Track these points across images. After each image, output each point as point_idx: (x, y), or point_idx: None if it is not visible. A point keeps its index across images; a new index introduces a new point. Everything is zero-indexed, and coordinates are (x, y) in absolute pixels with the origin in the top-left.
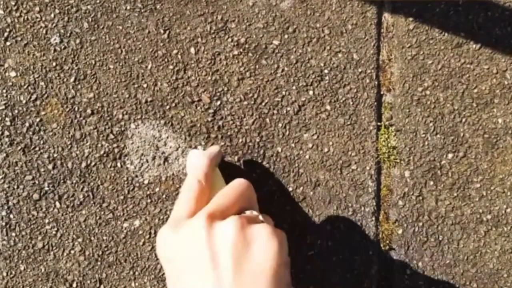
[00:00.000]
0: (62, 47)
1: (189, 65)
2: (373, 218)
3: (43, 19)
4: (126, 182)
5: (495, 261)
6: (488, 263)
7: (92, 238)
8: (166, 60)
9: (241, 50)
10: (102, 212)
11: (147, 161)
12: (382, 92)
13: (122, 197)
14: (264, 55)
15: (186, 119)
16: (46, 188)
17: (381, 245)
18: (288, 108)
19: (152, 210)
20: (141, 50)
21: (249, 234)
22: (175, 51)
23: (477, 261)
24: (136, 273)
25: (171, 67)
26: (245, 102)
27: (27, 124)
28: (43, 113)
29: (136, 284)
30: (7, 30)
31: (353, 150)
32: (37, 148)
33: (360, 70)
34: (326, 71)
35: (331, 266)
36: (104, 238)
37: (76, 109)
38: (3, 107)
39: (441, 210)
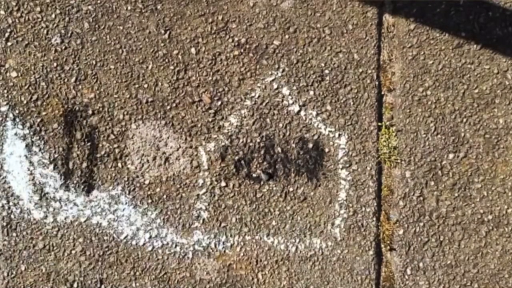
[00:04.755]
0: (63, 47)
1: (190, 65)
2: (374, 219)
3: (44, 19)
4: (127, 183)
5: (496, 261)
6: (489, 264)
7: (93, 238)
8: (166, 60)
9: (241, 50)
10: (104, 213)
11: (148, 161)
12: (383, 92)
13: (123, 198)
14: (265, 55)
15: (187, 119)
16: (47, 189)
17: (382, 245)
18: (289, 109)
19: (153, 210)
20: (141, 51)
21: None
22: (175, 52)
23: (478, 261)
24: (137, 273)
25: (171, 67)
26: (246, 102)
27: (28, 125)
28: (44, 113)
29: (137, 284)
30: (8, 30)
31: (354, 150)
32: (38, 149)
33: (361, 70)
34: (326, 71)
35: (331, 266)
36: (105, 238)
37: (77, 109)
38: (5, 107)
39: (442, 211)
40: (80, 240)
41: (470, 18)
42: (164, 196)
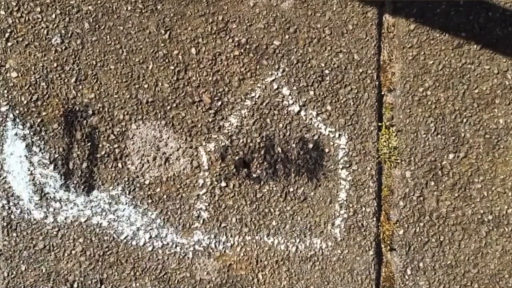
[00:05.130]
0: (63, 47)
1: (190, 66)
2: (374, 219)
3: (44, 19)
4: (127, 183)
5: (496, 262)
6: (490, 264)
7: (93, 239)
8: (167, 60)
9: (242, 50)
10: (104, 213)
11: (148, 161)
12: (383, 93)
13: (123, 198)
14: (265, 55)
15: (187, 119)
16: (47, 189)
17: (382, 246)
18: (289, 109)
19: (153, 211)
20: (142, 51)
21: None
22: (176, 52)
23: (478, 261)
24: (137, 273)
25: (172, 67)
26: (246, 103)
27: (28, 125)
28: (44, 113)
29: (137, 284)
30: (8, 30)
31: (354, 150)
32: (38, 149)
33: (361, 70)
34: (327, 71)
35: (331, 266)
36: (105, 238)
37: (77, 109)
38: (5, 107)
39: (442, 211)
40: (80, 240)
41: (470, 18)
42: (164, 196)
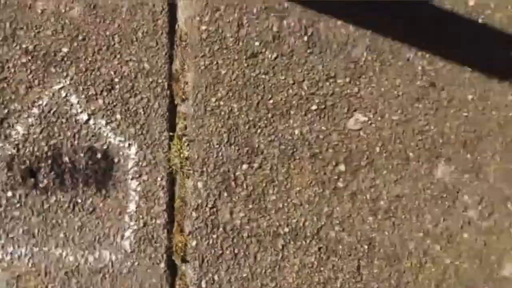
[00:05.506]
0: None
1: None
2: (165, 230)
3: None
4: None
5: (294, 275)
6: (288, 278)
7: None
8: None
9: (29, 57)
10: None
11: None
12: (176, 102)
13: None
14: (53, 62)
15: None
16: None
17: (175, 258)
18: (78, 117)
19: None
20: None
21: None
22: None
23: (276, 275)
24: None
25: None
26: (33, 110)
27: None
28: None
29: None
30: None
31: (144, 160)
32: None
33: (151, 79)
34: (116, 79)
35: (121, 279)
36: None
37: None
38: None
39: (236, 222)
40: None
41: (264, 28)
42: None
